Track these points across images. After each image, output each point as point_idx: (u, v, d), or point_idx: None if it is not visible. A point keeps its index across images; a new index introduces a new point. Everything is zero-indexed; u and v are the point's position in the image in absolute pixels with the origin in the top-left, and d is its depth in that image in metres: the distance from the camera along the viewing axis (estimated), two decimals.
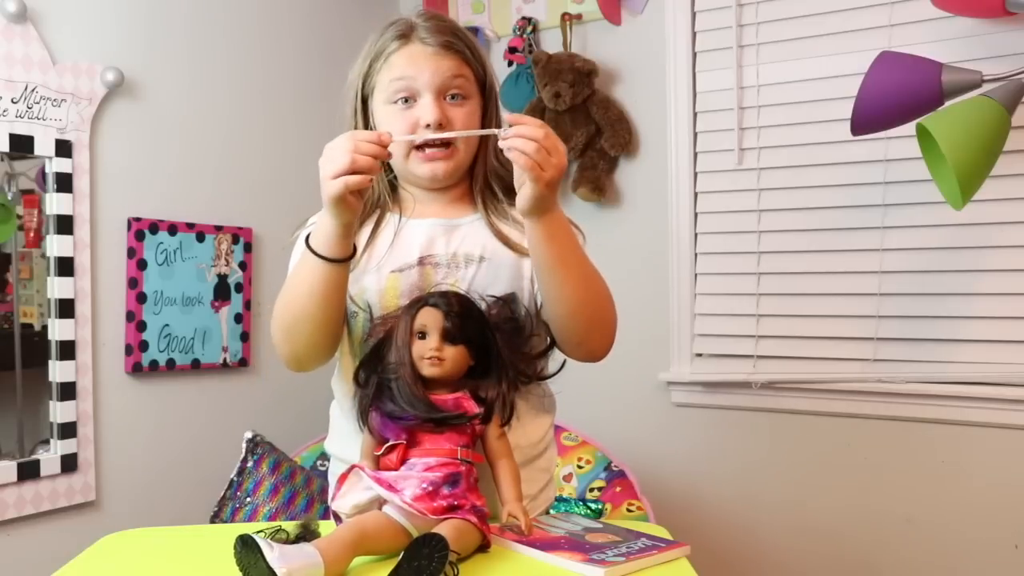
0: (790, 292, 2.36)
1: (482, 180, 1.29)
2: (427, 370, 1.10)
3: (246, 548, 0.91)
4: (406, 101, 1.23)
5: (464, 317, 1.12)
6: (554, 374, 1.28)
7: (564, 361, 1.28)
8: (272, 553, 0.90)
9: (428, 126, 1.21)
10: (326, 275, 1.14)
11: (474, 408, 1.11)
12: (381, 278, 1.24)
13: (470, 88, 1.26)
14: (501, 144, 1.08)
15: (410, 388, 1.09)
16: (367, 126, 1.28)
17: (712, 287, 2.48)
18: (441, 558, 0.90)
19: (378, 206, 1.30)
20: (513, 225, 1.26)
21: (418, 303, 1.14)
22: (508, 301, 1.21)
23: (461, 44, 1.25)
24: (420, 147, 1.24)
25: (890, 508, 2.24)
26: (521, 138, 1.05)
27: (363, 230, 1.28)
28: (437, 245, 1.25)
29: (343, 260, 1.14)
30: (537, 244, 1.14)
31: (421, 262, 1.24)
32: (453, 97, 1.24)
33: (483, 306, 1.18)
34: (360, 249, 1.25)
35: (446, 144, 1.23)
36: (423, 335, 1.11)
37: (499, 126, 1.27)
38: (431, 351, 1.10)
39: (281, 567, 0.89)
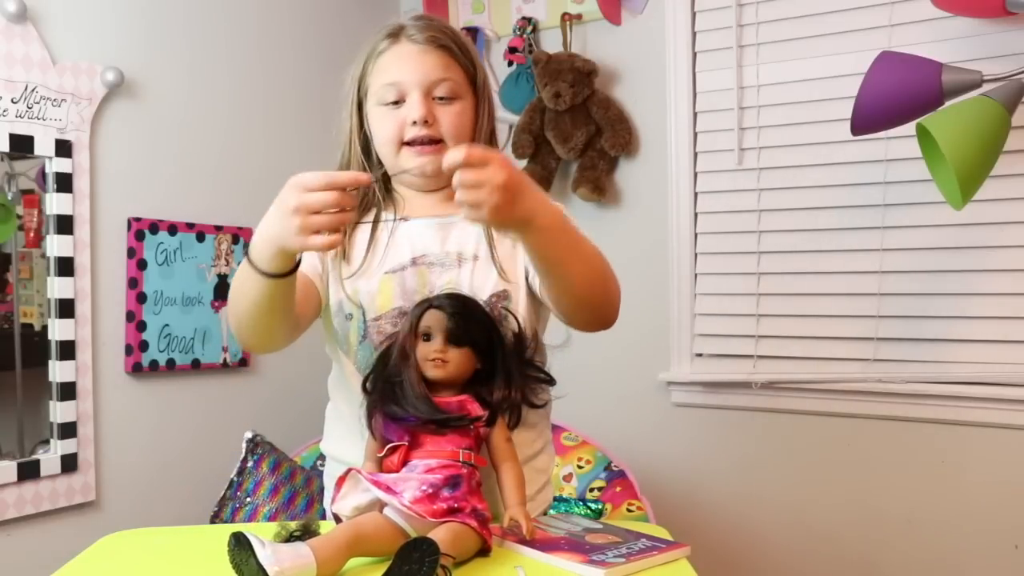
0: (790, 292, 2.36)
1: None
2: (431, 372, 1.10)
3: (239, 546, 0.91)
4: (396, 103, 1.23)
5: (469, 319, 1.11)
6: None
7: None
8: (264, 551, 0.89)
9: (415, 123, 1.21)
10: (271, 289, 1.08)
11: (478, 411, 1.11)
12: (375, 280, 1.23)
13: (459, 87, 1.24)
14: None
15: (414, 389, 1.09)
16: (362, 130, 1.28)
17: (712, 287, 2.48)
18: (431, 562, 0.89)
19: (373, 204, 1.29)
20: None
21: (423, 305, 1.13)
22: (508, 308, 1.20)
23: (448, 40, 1.24)
24: (410, 142, 1.23)
25: (890, 508, 2.24)
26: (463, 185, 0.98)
27: (360, 231, 1.27)
28: (431, 244, 1.25)
29: (288, 273, 1.07)
30: (530, 253, 1.11)
31: (414, 262, 1.23)
32: (442, 97, 1.23)
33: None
34: (363, 252, 1.25)
35: (435, 140, 1.22)
36: (428, 337, 1.11)
37: (492, 126, 1.30)
38: (435, 353, 1.10)
39: (273, 566, 0.88)
